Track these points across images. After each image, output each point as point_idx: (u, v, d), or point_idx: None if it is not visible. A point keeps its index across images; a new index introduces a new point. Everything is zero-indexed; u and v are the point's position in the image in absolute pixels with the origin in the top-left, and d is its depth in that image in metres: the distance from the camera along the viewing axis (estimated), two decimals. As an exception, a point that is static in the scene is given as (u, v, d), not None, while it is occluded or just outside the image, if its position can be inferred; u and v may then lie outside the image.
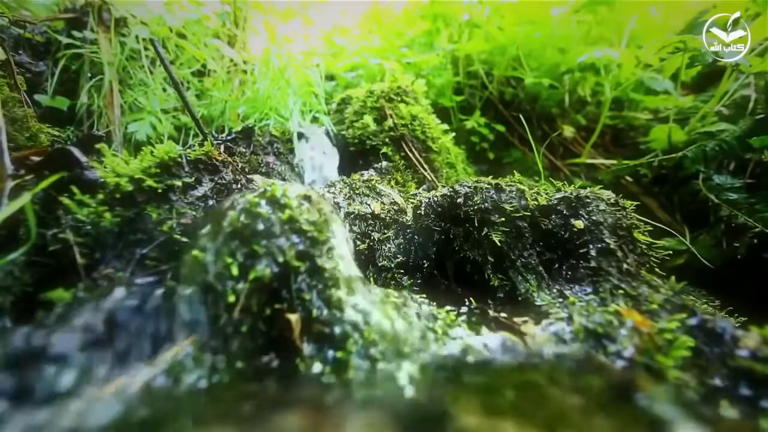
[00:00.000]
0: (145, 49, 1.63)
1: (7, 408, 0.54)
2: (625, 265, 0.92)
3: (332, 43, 2.76)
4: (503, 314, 0.84)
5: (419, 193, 1.28)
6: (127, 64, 1.63)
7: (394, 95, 1.77)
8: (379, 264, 1.00)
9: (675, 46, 1.54)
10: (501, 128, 2.19)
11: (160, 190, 0.87)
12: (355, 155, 1.68)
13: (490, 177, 1.10)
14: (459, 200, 1.02)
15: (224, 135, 1.49)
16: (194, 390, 0.58)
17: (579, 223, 0.96)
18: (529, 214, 0.99)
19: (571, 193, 1.01)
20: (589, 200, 1.00)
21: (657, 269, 0.96)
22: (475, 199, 1.01)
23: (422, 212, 1.08)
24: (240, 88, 1.89)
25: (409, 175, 1.59)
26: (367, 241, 1.02)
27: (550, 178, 1.23)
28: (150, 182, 0.87)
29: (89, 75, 1.60)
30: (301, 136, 1.59)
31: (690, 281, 0.92)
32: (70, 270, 0.79)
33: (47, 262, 0.81)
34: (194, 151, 0.97)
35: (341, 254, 0.75)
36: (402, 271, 1.01)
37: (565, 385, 0.60)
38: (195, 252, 0.67)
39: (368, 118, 1.69)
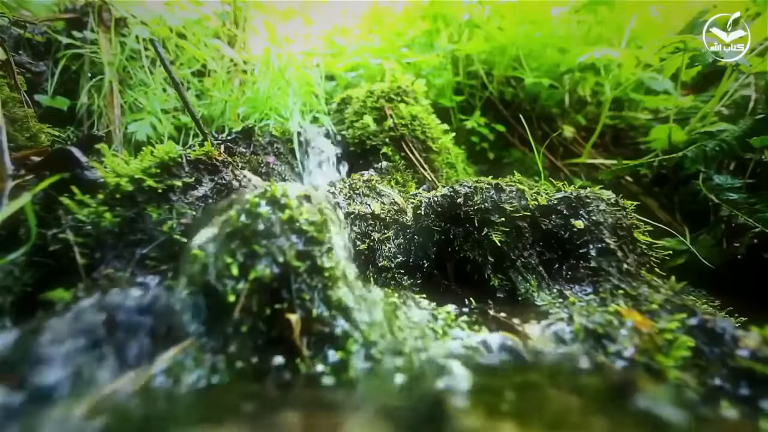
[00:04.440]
0: (145, 49, 1.63)
1: (8, 408, 0.54)
2: (625, 265, 0.92)
3: (332, 43, 2.76)
4: (503, 314, 0.84)
5: (419, 193, 1.28)
6: (127, 64, 1.63)
7: (394, 95, 1.76)
8: (379, 264, 1.00)
9: (675, 46, 1.54)
10: (501, 128, 2.19)
11: (160, 190, 0.88)
12: (355, 155, 1.68)
13: (490, 177, 1.10)
14: (459, 200, 1.02)
15: (224, 135, 1.49)
16: (194, 390, 0.58)
17: (579, 223, 0.96)
18: (529, 214, 0.99)
19: (571, 193, 1.01)
20: (589, 200, 1.00)
21: (657, 269, 0.96)
22: (475, 199, 1.01)
23: (422, 212, 1.08)
24: (240, 88, 1.89)
25: (409, 175, 1.58)
26: (367, 241, 1.02)
27: (550, 178, 1.23)
28: (150, 182, 0.87)
29: (89, 75, 1.60)
30: (301, 136, 1.59)
31: (690, 281, 0.91)
32: (70, 270, 0.79)
33: (47, 262, 0.81)
34: (194, 151, 0.97)
35: (341, 254, 0.75)
36: (402, 271, 1.01)
37: (565, 385, 0.60)
38: (195, 251, 0.67)
39: (368, 118, 1.69)
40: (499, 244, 0.96)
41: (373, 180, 1.21)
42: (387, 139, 1.64)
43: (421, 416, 0.50)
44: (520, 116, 1.83)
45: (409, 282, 1.00)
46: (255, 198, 0.72)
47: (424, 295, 0.87)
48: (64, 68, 1.60)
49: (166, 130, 1.57)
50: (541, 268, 0.97)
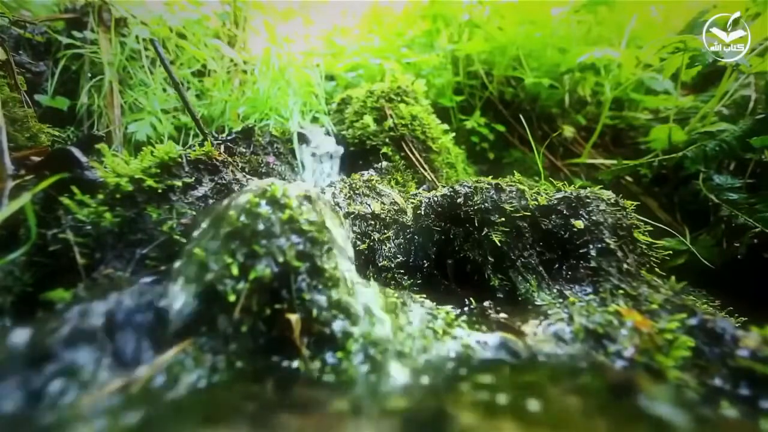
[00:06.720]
0: (145, 49, 1.63)
1: (9, 410, 0.54)
2: (625, 265, 0.92)
3: (332, 43, 2.76)
4: (503, 314, 0.84)
5: (419, 193, 1.28)
6: (127, 64, 1.63)
7: (394, 95, 1.77)
8: (379, 264, 1.00)
9: (675, 46, 1.54)
10: (501, 128, 2.19)
11: (160, 190, 0.87)
12: (355, 155, 1.68)
13: (490, 177, 1.10)
14: (459, 200, 1.02)
15: (224, 135, 1.49)
16: (194, 390, 0.58)
17: (579, 223, 0.96)
18: (529, 214, 0.99)
19: (571, 193, 1.01)
20: (589, 200, 1.00)
21: (657, 269, 0.96)
22: (475, 199, 1.01)
23: (422, 212, 1.08)
24: (240, 88, 1.89)
25: (409, 175, 1.59)
26: (367, 241, 1.02)
27: (550, 178, 1.23)
28: (150, 182, 0.87)
29: (89, 75, 1.60)
30: (301, 136, 1.59)
31: (690, 281, 0.91)
32: (70, 270, 0.79)
33: (47, 262, 0.81)
34: (194, 151, 0.97)
35: (341, 254, 0.75)
36: (402, 271, 1.01)
37: (565, 385, 0.60)
38: (195, 251, 0.67)
39: (368, 118, 1.69)
40: (499, 244, 0.96)
41: (373, 180, 1.21)
42: (387, 139, 1.64)
43: (421, 416, 0.50)
44: (520, 116, 1.83)
45: (409, 282, 1.00)
46: (255, 198, 0.72)
47: (424, 295, 0.87)
48: (64, 68, 1.60)
49: (166, 130, 1.57)
50: (541, 268, 0.96)
